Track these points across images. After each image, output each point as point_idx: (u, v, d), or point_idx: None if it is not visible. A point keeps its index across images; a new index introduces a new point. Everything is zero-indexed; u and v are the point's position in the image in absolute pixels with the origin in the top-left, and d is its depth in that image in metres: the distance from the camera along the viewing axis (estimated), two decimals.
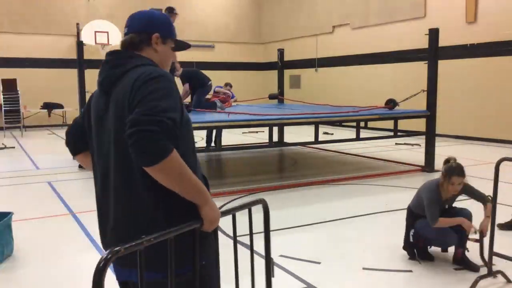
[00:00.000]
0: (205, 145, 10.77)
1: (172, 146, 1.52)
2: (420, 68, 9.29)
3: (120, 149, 1.65)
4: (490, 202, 3.75)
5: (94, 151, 1.81)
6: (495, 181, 3.61)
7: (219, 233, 5.19)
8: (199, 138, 12.88)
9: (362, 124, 8.41)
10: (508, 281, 3.62)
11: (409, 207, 4.10)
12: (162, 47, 1.85)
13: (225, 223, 5.69)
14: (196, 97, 8.94)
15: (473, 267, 3.82)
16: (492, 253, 3.60)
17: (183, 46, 1.98)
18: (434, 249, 4.26)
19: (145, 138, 1.47)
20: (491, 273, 3.59)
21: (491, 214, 3.63)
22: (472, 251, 3.86)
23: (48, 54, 16.91)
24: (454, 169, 3.80)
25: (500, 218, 3.70)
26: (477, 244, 3.75)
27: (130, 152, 1.51)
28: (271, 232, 5.20)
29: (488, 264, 3.60)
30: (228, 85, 11.69)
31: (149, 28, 1.84)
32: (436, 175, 4.47)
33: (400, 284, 3.70)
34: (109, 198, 1.74)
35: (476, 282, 3.49)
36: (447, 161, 3.92)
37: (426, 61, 8.33)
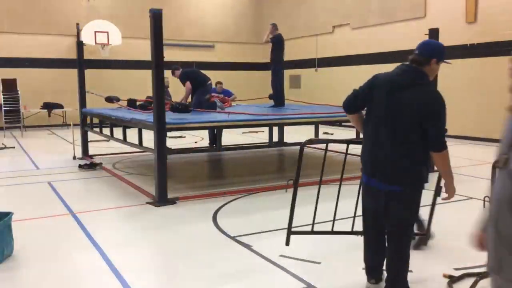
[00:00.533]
0: (204, 145, 10.79)
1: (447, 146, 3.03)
2: None
3: (402, 127, 3.00)
4: None
5: (379, 114, 3.10)
6: (492, 182, 3.61)
7: (220, 234, 5.17)
8: (199, 138, 12.89)
9: None
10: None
11: None
12: (435, 66, 3.11)
13: (224, 222, 5.68)
14: (196, 97, 8.94)
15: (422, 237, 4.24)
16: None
17: (445, 62, 3.23)
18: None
19: (441, 144, 3.05)
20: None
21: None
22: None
23: (48, 54, 16.91)
24: None
25: None
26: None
27: (431, 145, 3.03)
28: (271, 232, 5.17)
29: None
30: (219, 83, 11.72)
31: (432, 55, 3.08)
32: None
33: None
34: (383, 144, 3.06)
35: (476, 282, 3.49)
36: None
37: None
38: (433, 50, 3.10)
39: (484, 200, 3.63)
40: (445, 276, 3.68)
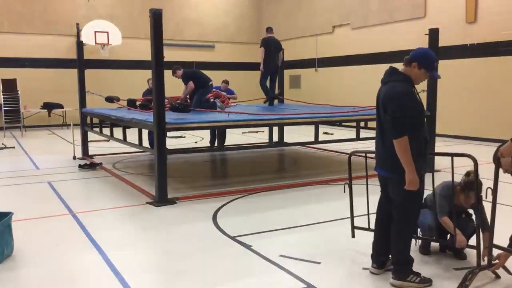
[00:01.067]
0: (204, 145, 10.78)
1: (405, 134, 3.29)
2: None
3: (381, 120, 3.47)
4: (488, 231, 3.70)
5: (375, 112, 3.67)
6: (496, 172, 3.61)
7: (220, 234, 5.17)
8: (199, 138, 12.89)
9: (362, 124, 8.40)
10: (509, 273, 3.62)
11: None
12: (416, 70, 3.43)
13: (224, 222, 5.67)
14: (196, 97, 8.93)
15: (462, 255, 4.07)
16: (492, 245, 3.58)
17: (432, 76, 3.59)
18: (434, 248, 4.27)
19: (394, 132, 3.32)
20: (490, 265, 3.59)
21: (491, 211, 3.61)
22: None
23: (48, 54, 16.91)
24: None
25: (500, 219, 3.69)
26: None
27: (388, 128, 3.37)
28: (271, 232, 5.17)
29: (488, 256, 3.60)
30: (225, 81, 11.57)
31: (413, 58, 3.44)
32: (436, 175, 4.48)
33: None
34: (377, 137, 3.60)
35: (475, 274, 3.50)
36: (468, 174, 3.92)
37: None
38: (417, 55, 3.45)
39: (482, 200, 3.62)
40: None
